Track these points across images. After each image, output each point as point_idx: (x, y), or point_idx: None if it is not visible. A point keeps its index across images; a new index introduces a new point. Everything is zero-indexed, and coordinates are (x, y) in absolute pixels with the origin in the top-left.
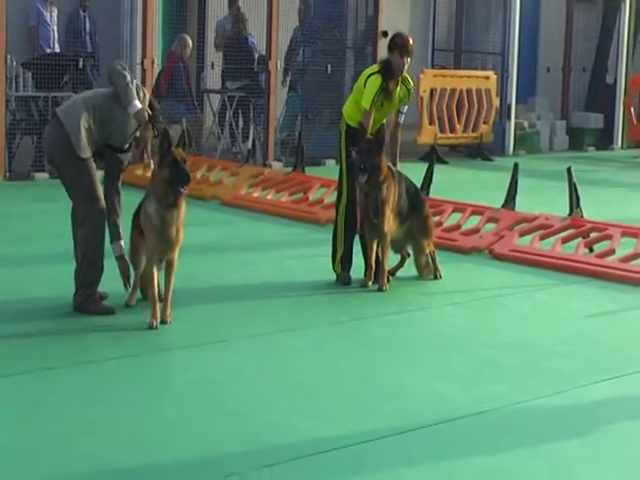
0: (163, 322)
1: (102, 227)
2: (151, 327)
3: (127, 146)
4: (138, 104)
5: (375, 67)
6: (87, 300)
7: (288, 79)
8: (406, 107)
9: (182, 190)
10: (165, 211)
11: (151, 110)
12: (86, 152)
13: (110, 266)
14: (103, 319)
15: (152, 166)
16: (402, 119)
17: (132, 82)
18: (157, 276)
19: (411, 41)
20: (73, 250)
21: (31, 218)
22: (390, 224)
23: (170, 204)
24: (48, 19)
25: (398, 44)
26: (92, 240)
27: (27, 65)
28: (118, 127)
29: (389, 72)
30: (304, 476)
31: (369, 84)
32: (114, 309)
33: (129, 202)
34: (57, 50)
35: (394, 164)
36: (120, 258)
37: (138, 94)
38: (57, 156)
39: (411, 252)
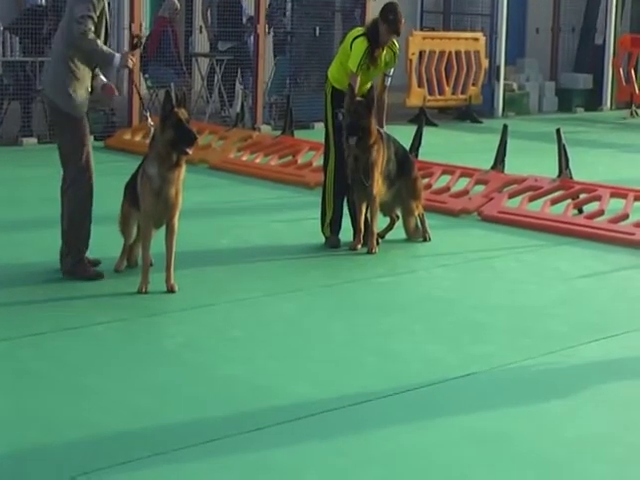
0: (171, 291)
1: (89, 192)
2: (140, 292)
3: None
4: (117, 56)
5: (361, 29)
6: (76, 265)
7: (270, 39)
8: (392, 70)
9: (188, 151)
10: (167, 172)
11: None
12: (82, 109)
13: (99, 232)
14: (92, 284)
15: (149, 120)
16: (389, 82)
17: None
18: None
19: (403, 21)
20: (60, 217)
21: (19, 183)
22: (379, 187)
23: (172, 165)
24: None
25: (390, 20)
26: (79, 204)
27: (13, 29)
28: None
29: (375, 39)
30: (294, 439)
31: (355, 47)
32: (103, 274)
33: (119, 167)
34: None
35: (381, 127)
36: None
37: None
38: (55, 115)
39: (400, 215)
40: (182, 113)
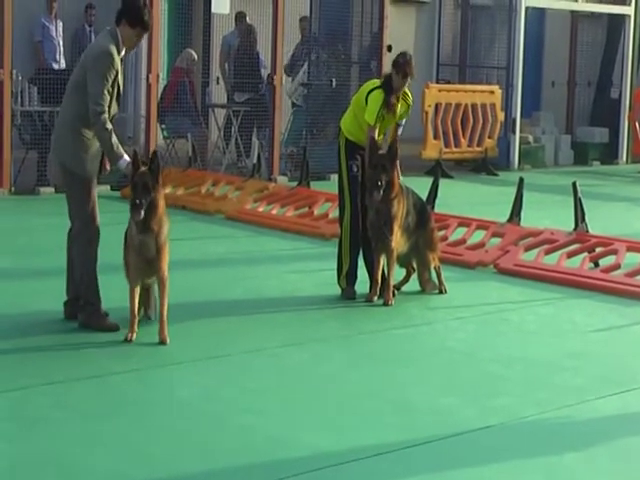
0: (162, 343)
1: (95, 246)
2: (126, 340)
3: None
4: (123, 161)
5: (376, 82)
6: (91, 316)
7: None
8: (405, 120)
9: (136, 218)
10: (143, 234)
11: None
12: (91, 168)
13: (110, 281)
14: (107, 334)
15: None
16: (401, 131)
17: (112, 127)
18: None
19: (413, 63)
20: (66, 266)
21: (36, 232)
22: (398, 240)
23: (144, 229)
24: (53, 33)
25: (400, 64)
26: (86, 259)
27: (34, 80)
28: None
29: (390, 87)
30: None
31: (372, 99)
32: (118, 325)
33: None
34: (63, 63)
35: None
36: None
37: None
38: (64, 175)
39: (415, 266)
40: (142, 184)
